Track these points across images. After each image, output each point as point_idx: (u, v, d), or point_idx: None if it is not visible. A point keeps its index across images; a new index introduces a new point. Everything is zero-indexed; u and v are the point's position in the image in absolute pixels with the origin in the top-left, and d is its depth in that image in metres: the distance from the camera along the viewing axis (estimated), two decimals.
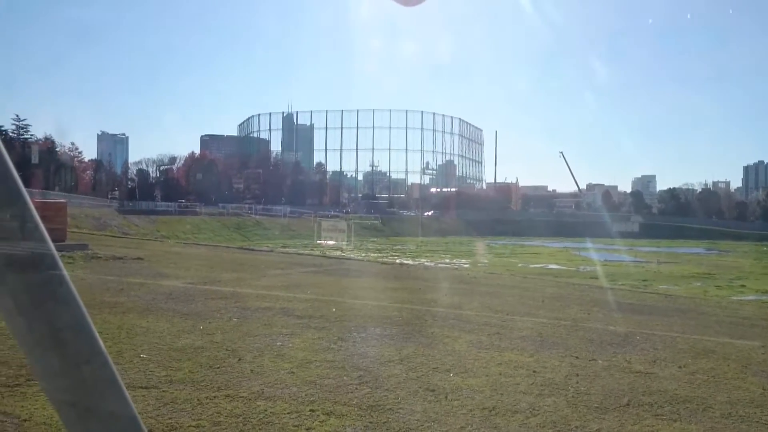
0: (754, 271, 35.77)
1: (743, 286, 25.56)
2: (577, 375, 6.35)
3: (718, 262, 44.92)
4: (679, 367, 7.02)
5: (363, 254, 35.79)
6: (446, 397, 5.31)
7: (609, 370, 6.66)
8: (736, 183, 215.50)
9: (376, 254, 37.52)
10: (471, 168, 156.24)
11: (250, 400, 4.92)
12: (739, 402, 5.64)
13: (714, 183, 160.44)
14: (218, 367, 5.82)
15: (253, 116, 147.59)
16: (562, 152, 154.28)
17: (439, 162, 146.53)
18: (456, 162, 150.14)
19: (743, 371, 6.98)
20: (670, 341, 8.69)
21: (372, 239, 61.35)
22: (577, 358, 7.18)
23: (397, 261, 30.18)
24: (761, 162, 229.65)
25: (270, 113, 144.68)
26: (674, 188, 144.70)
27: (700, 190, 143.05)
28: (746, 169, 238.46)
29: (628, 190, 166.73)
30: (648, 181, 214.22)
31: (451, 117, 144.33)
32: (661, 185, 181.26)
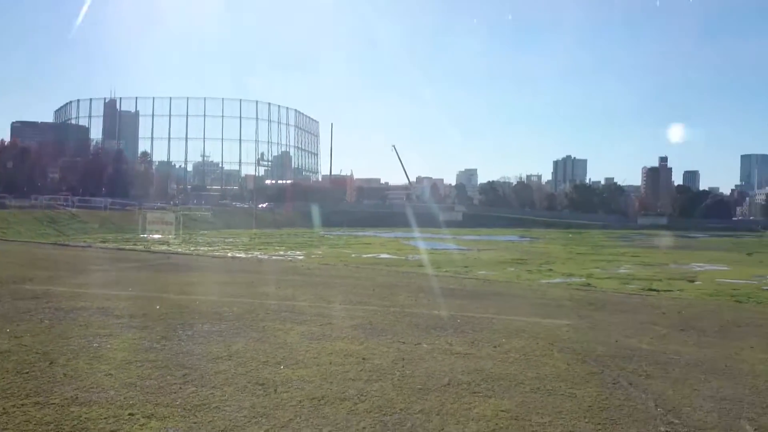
0: (561, 256, 39.20)
1: (551, 270, 27.90)
2: (403, 359, 6.59)
3: (529, 248, 48.67)
4: (495, 346, 7.52)
5: (192, 248, 34.51)
6: (275, 390, 5.27)
7: (432, 353, 6.97)
8: (546, 176, 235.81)
9: (206, 248, 36.32)
10: (307, 160, 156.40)
11: (62, 406, 4.56)
12: (546, 377, 6.15)
13: (528, 176, 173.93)
14: (27, 373, 5.33)
15: (71, 102, 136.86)
16: (394, 146, 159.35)
17: (275, 153, 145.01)
18: (292, 153, 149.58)
19: (550, 348, 7.63)
20: (487, 323, 9.29)
21: (202, 232, 59.27)
22: (403, 343, 7.45)
23: (229, 254, 29.46)
24: (569, 157, 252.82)
25: (90, 99, 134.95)
26: (493, 181, 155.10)
27: (515, 182, 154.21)
28: (555, 163, 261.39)
29: (453, 182, 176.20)
30: (471, 174, 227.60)
31: (287, 108, 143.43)
32: (482, 178, 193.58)
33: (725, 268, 33.89)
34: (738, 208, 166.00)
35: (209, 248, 35.91)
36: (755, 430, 4.76)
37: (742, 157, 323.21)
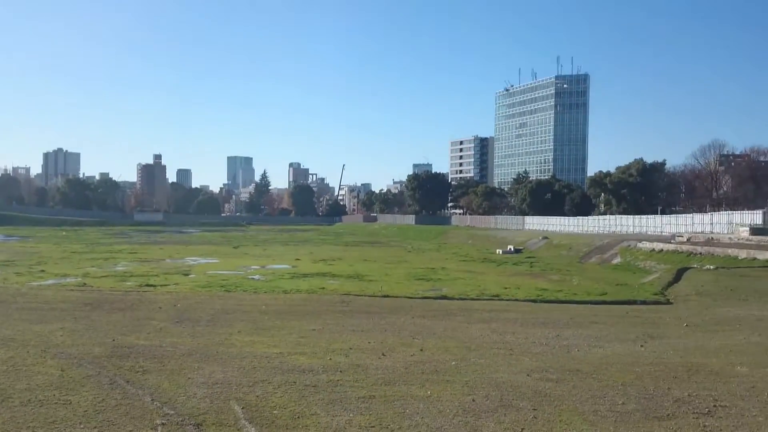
0: (54, 255, 36.66)
1: (43, 271, 25.90)
2: None
3: (18, 248, 44.16)
4: None
5: None
6: None
7: None
8: (36, 169, 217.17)
9: None
10: None
11: None
12: (38, 387, 5.70)
13: (14, 168, 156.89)
14: None
15: None
16: None
17: None
18: None
19: (43, 355, 7.08)
20: None
21: None
22: None
23: None
24: (60, 149, 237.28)
25: None
26: None
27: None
28: (46, 155, 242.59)
29: None
30: None
31: None
32: None
33: (216, 261, 36.80)
34: (226, 205, 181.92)
35: None
36: (243, 408, 5.33)
37: (229, 158, 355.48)
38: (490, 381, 6.43)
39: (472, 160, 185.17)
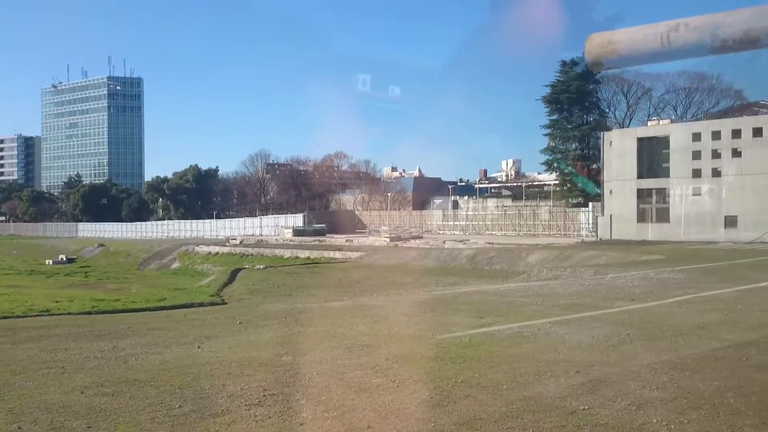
0: None
1: None
2: None
3: None
4: None
5: None
6: None
7: None
8: None
9: None
10: None
11: None
12: None
13: None
14: None
15: None
16: None
17: None
18: None
19: None
20: None
21: None
22: None
23: None
24: None
25: None
26: None
27: None
28: None
29: None
30: None
31: None
32: None
33: None
34: None
35: None
36: None
37: None
38: (40, 404, 5.89)
39: (16, 161, 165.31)
